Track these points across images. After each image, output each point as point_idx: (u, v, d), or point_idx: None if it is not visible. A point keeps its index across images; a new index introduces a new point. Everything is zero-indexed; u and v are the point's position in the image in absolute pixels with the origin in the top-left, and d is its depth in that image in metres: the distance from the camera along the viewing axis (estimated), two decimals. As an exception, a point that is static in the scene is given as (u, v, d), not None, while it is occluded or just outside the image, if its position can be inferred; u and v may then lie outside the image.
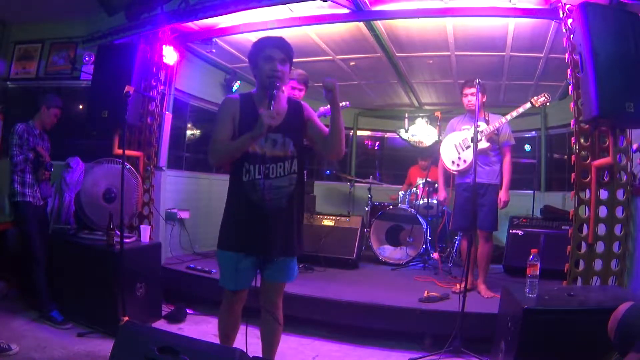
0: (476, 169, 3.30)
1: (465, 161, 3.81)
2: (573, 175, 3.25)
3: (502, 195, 3.76)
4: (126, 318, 2.83)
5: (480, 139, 3.68)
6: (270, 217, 2.14)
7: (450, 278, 4.41)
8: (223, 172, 2.08)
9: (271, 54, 2.11)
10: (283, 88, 3.59)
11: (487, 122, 3.80)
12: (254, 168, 2.12)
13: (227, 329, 2.31)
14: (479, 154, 3.67)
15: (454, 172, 3.94)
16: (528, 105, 3.70)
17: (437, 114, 5.92)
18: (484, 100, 3.78)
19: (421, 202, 5.66)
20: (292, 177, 2.20)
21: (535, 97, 3.72)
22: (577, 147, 3.25)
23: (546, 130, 6.58)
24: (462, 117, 4.03)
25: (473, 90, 3.71)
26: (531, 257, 2.51)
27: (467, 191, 3.76)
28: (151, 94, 4.23)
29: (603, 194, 3.18)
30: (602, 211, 3.17)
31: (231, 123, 2.15)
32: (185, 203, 5.03)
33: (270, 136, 2.14)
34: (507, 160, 3.82)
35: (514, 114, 3.73)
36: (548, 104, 3.80)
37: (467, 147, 3.81)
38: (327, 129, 2.22)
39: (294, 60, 2.26)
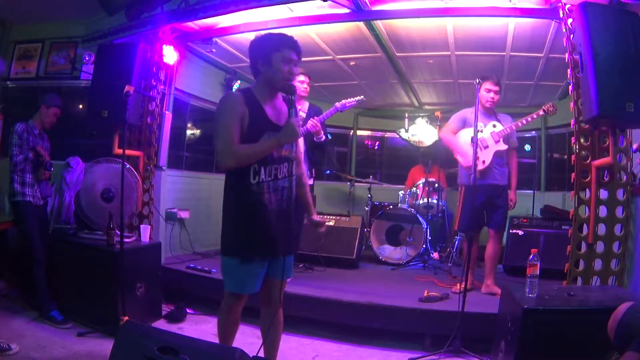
0: (476, 168, 3.31)
1: (484, 162, 3.73)
2: (573, 175, 3.25)
3: (513, 196, 3.83)
4: (126, 318, 2.83)
5: (498, 140, 3.72)
6: (279, 218, 2.14)
7: (450, 278, 4.41)
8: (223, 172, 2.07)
9: (290, 56, 2.09)
10: (295, 82, 3.78)
11: (498, 120, 3.78)
12: (264, 169, 2.08)
13: (227, 329, 2.30)
14: (495, 156, 3.72)
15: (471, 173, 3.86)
16: (541, 112, 3.69)
17: (437, 114, 5.92)
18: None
19: (421, 202, 5.67)
20: (293, 179, 2.22)
21: (546, 106, 3.69)
22: (577, 147, 3.25)
23: (546, 130, 6.59)
24: (475, 113, 3.92)
25: (497, 87, 3.73)
26: (531, 257, 2.51)
27: (483, 194, 3.71)
28: (151, 93, 4.23)
29: (603, 194, 3.18)
30: (602, 211, 3.17)
31: (239, 122, 2.05)
32: (185, 203, 5.03)
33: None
34: (515, 162, 3.88)
35: (529, 119, 3.75)
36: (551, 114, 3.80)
37: (486, 147, 3.75)
38: (300, 149, 2.31)
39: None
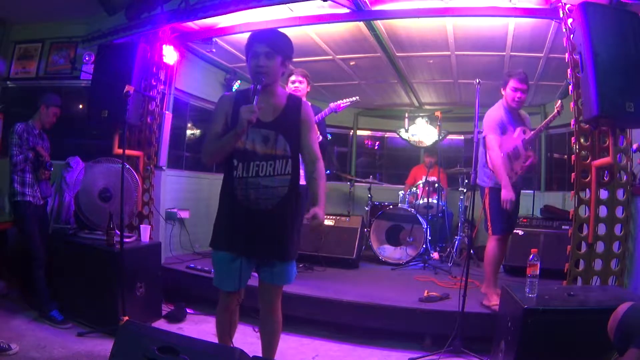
0: (477, 168, 3.31)
1: (516, 173, 3.44)
2: (573, 175, 3.25)
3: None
4: (126, 318, 2.83)
5: (529, 148, 3.47)
6: (257, 218, 2.08)
7: (450, 278, 4.42)
8: (223, 171, 2.11)
9: (256, 50, 2.08)
10: (288, 83, 3.77)
11: (524, 123, 3.52)
12: (242, 165, 2.08)
13: (224, 328, 2.29)
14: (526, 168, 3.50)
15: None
16: (556, 113, 3.43)
17: (437, 113, 5.93)
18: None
19: (421, 202, 5.67)
20: (284, 179, 2.12)
21: (557, 106, 3.43)
22: (577, 146, 3.25)
23: (546, 130, 6.57)
24: (505, 114, 3.46)
25: (524, 86, 3.38)
26: (531, 257, 2.51)
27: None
28: (151, 93, 4.23)
29: (603, 194, 3.18)
30: (602, 211, 3.17)
31: (223, 121, 2.12)
32: (185, 203, 5.03)
33: (261, 132, 2.09)
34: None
35: (548, 123, 3.53)
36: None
37: (517, 158, 3.45)
38: (314, 147, 2.20)
39: (295, 60, 2.23)
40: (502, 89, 3.52)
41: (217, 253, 2.19)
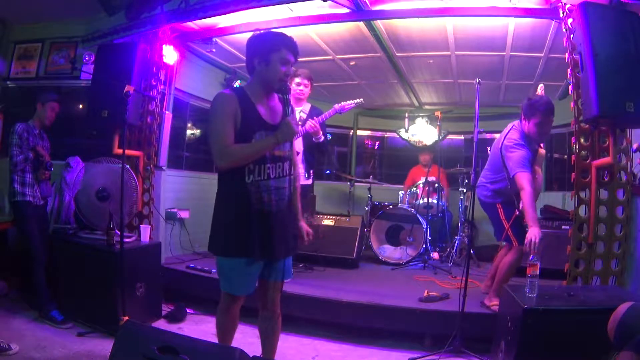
0: (477, 173, 3.31)
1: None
2: (573, 175, 3.25)
3: None
4: (126, 318, 2.83)
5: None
6: (271, 220, 2.11)
7: (450, 278, 4.42)
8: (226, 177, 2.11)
9: (288, 58, 2.08)
10: (292, 85, 3.80)
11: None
12: (258, 169, 2.07)
13: (225, 328, 2.30)
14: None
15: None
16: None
17: (437, 113, 5.93)
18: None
19: (421, 202, 5.67)
20: (289, 179, 2.19)
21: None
22: (577, 146, 3.25)
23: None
24: (528, 145, 3.22)
25: (552, 118, 3.15)
26: (531, 257, 2.52)
27: None
28: (151, 93, 4.23)
29: (603, 194, 3.18)
30: (602, 211, 3.17)
31: (233, 122, 2.07)
32: (185, 202, 5.03)
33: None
34: None
35: None
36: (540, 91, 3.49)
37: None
38: (294, 153, 2.25)
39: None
40: (522, 116, 3.24)
41: (230, 260, 2.14)
